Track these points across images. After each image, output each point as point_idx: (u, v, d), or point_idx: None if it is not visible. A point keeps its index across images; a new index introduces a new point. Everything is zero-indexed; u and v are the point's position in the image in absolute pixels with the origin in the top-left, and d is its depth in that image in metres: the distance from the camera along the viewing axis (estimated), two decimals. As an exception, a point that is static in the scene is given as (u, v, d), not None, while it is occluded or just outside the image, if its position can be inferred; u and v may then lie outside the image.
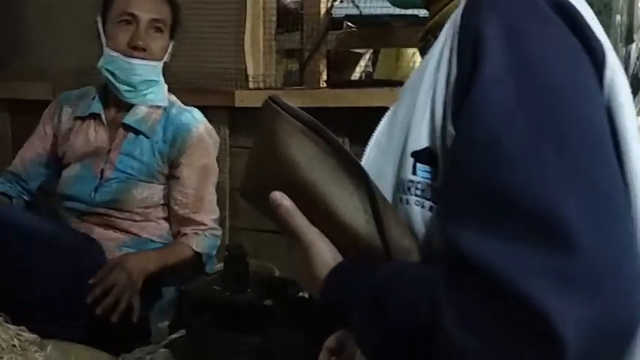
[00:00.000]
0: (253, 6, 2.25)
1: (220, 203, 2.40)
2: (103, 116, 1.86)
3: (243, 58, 2.28)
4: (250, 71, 2.28)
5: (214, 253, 1.90)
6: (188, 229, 1.85)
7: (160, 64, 1.83)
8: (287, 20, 2.29)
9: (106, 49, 1.78)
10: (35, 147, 1.95)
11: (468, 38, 0.70)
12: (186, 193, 1.84)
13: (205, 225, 1.86)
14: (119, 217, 1.83)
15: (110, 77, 1.79)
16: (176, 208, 1.85)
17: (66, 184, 1.87)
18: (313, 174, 0.73)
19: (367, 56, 2.44)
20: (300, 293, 1.85)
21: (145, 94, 1.82)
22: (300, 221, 0.76)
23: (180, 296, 1.81)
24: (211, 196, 1.91)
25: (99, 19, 1.83)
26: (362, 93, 2.10)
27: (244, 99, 2.26)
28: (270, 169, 0.75)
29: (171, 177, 1.86)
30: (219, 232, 1.91)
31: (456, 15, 0.74)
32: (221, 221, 2.43)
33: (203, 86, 2.34)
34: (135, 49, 1.75)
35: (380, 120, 0.86)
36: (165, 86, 1.90)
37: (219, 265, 2.09)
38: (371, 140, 0.85)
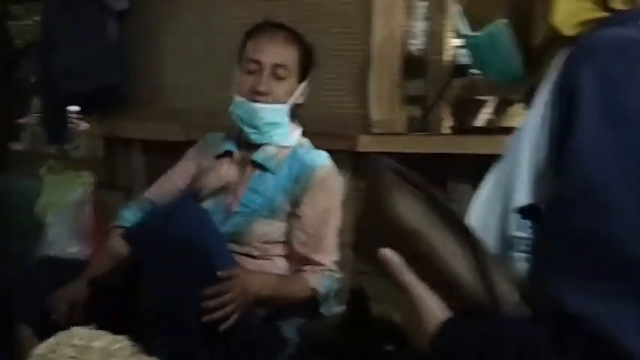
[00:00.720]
0: (379, 52, 2.26)
1: (343, 247, 2.40)
2: (235, 153, 1.95)
3: (367, 103, 2.28)
4: (374, 117, 2.28)
5: (331, 294, 1.89)
6: (306, 268, 1.86)
7: (285, 107, 1.90)
8: (411, 67, 2.29)
9: (235, 95, 1.89)
10: (176, 181, 2.02)
11: (565, 89, 0.70)
12: (306, 232, 1.87)
13: (324, 265, 1.87)
14: (238, 252, 1.86)
15: (238, 121, 1.89)
16: (296, 246, 1.87)
17: None
18: (419, 231, 0.76)
19: (492, 104, 2.40)
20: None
21: (271, 135, 1.91)
22: (408, 277, 0.78)
23: (299, 338, 1.81)
24: (332, 238, 1.91)
25: (236, 68, 1.94)
26: (487, 140, 2.04)
27: (367, 144, 2.25)
28: (379, 225, 0.78)
29: (292, 215, 1.89)
30: (337, 275, 1.90)
31: (554, 68, 0.75)
32: (343, 264, 2.43)
33: (326, 130, 2.31)
34: (257, 94, 1.84)
35: None
36: (296, 128, 1.97)
37: (340, 309, 2.08)
38: (477, 195, 0.87)
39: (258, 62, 1.87)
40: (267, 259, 1.90)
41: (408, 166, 2.60)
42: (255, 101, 1.85)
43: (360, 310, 1.76)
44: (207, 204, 1.93)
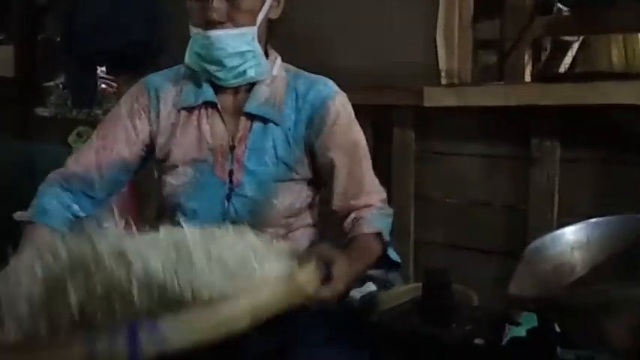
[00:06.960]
0: (448, -13, 2.05)
1: (404, 213, 2.17)
2: (219, 104, 1.53)
3: (435, 49, 2.07)
4: (442, 65, 2.06)
5: (389, 235, 1.54)
6: (354, 214, 1.52)
7: (250, 30, 1.46)
8: (485, 5, 2.01)
9: (190, 27, 1.49)
10: (119, 148, 1.54)
11: None
12: (342, 181, 1.53)
13: (371, 205, 1.53)
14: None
15: (197, 59, 1.49)
16: (336, 202, 1.54)
17: (183, 194, 1.53)
18: None
19: (575, 46, 2.10)
20: (511, 330, 1.57)
21: (244, 70, 1.49)
22: None
23: (372, 328, 1.56)
24: (370, 176, 1.57)
25: None
26: (581, 88, 1.80)
27: (434, 97, 2.04)
28: None
29: (318, 168, 1.56)
30: (389, 211, 1.57)
31: None
32: (405, 235, 2.19)
33: (386, 82, 2.14)
34: (210, 25, 1.43)
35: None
36: (273, 52, 1.58)
37: (413, 286, 1.84)
38: None
39: None
40: (292, 233, 1.58)
41: (484, 122, 2.32)
42: (209, 29, 1.43)
43: (441, 296, 1.53)
44: (187, 174, 1.53)
